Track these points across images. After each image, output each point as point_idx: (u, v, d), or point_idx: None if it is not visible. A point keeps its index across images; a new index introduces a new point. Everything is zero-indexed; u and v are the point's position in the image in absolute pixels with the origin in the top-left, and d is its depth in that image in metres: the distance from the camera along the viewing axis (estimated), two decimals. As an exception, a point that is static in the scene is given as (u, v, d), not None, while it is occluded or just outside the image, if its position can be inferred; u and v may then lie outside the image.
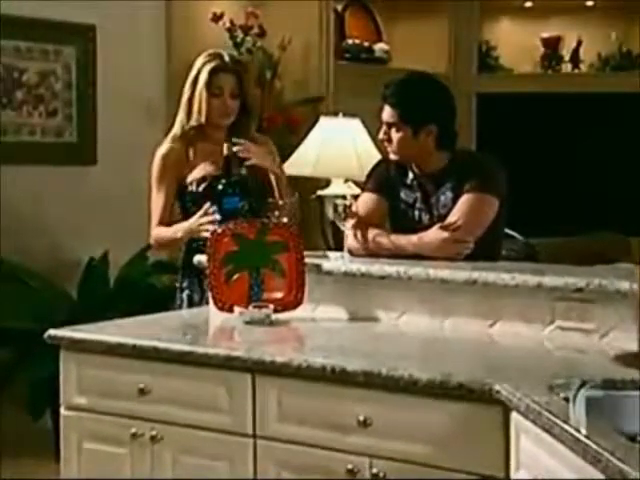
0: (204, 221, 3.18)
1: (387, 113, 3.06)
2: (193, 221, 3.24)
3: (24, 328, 4.13)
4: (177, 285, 3.52)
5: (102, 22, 4.64)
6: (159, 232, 3.38)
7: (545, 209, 5.79)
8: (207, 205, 3.21)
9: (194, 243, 3.32)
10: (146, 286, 4.44)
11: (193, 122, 3.34)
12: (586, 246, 5.62)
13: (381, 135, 3.10)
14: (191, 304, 3.44)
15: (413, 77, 3.21)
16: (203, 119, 3.33)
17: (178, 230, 3.31)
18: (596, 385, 2.03)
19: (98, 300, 4.31)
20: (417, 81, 3.16)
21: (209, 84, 3.31)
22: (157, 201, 3.38)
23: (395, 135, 3.05)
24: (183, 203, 3.40)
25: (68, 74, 4.60)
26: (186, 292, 3.47)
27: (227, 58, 3.38)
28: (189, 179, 3.36)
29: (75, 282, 4.45)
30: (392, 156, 3.10)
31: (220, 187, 3.28)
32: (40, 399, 3.98)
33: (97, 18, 4.62)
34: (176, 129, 3.40)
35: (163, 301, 4.16)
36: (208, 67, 3.32)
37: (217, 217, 3.15)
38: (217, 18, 4.90)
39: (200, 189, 3.33)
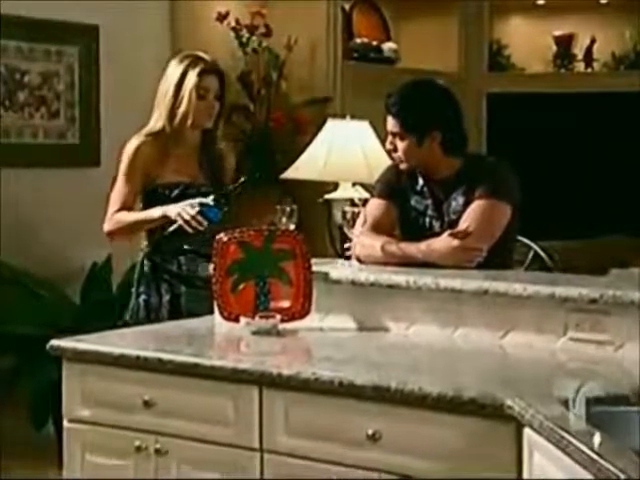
0: (191, 212, 3.20)
1: (390, 123, 3.09)
2: (176, 205, 3.26)
3: (26, 334, 4.14)
4: (132, 290, 3.52)
5: (105, 22, 4.64)
6: (123, 216, 3.39)
7: (558, 211, 5.77)
8: (196, 201, 3.25)
9: (153, 254, 3.42)
10: (149, 292, 4.43)
11: (177, 125, 3.38)
12: (601, 249, 5.62)
13: (387, 145, 3.14)
14: (148, 309, 3.44)
15: (414, 85, 3.21)
16: (190, 120, 3.37)
17: (153, 212, 3.33)
18: (601, 399, 2.04)
19: (101, 306, 4.32)
20: (417, 88, 3.18)
21: (197, 86, 3.36)
22: (122, 189, 3.40)
23: (400, 144, 3.08)
24: (150, 205, 3.41)
25: (71, 75, 4.60)
26: (142, 297, 3.46)
27: (209, 60, 3.45)
28: (161, 181, 3.40)
29: (78, 287, 4.45)
30: (401, 165, 3.12)
31: (205, 196, 3.31)
32: (42, 408, 3.99)
33: (100, 18, 4.62)
34: (152, 126, 3.44)
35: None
36: (197, 69, 3.38)
37: (204, 223, 3.22)
38: (222, 18, 4.90)
39: (173, 195, 3.38)
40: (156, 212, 3.34)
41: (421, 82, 3.27)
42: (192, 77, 3.36)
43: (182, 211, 3.23)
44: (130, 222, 3.39)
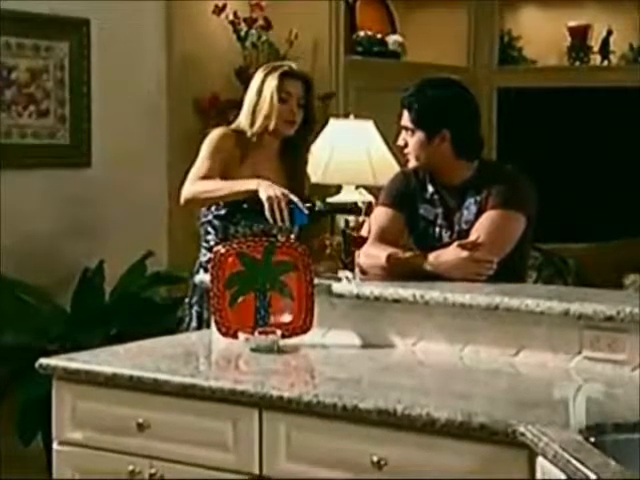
0: (282, 204, 3.08)
1: (404, 117, 3.12)
2: (271, 186, 3.17)
3: (15, 344, 4.14)
4: (187, 300, 3.55)
5: (97, 16, 4.62)
6: (207, 182, 3.34)
7: (572, 213, 5.76)
8: (293, 197, 3.13)
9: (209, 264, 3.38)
10: (144, 299, 4.44)
11: (257, 128, 3.41)
12: (616, 252, 5.61)
13: (399, 141, 3.15)
14: (200, 321, 3.46)
15: (432, 80, 3.22)
16: (272, 125, 3.40)
17: (243, 183, 3.27)
18: (618, 426, 2.05)
19: (93, 314, 4.31)
20: (434, 85, 3.18)
21: (278, 89, 3.40)
22: (204, 163, 3.40)
23: (410, 140, 3.10)
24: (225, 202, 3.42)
25: (61, 72, 4.58)
26: (195, 308, 3.50)
27: (295, 66, 3.51)
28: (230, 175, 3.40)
29: (69, 294, 4.45)
30: (410, 163, 3.13)
31: (302, 205, 3.18)
32: (31, 423, 3.98)
33: (91, 11, 4.60)
34: (237, 124, 3.48)
35: (161, 315, 4.18)
36: (278, 71, 3.43)
37: (286, 222, 3.10)
38: (219, 10, 4.90)
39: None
40: (247, 184, 3.26)
41: (441, 79, 3.30)
42: (273, 79, 3.42)
43: (274, 197, 3.11)
44: (215, 188, 3.34)
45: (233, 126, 3.51)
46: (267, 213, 3.10)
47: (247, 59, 4.99)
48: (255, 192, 3.19)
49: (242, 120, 3.48)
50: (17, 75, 4.46)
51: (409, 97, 3.11)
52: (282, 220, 3.08)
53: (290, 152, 3.51)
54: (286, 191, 3.16)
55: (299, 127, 3.47)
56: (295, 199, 3.13)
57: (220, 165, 3.40)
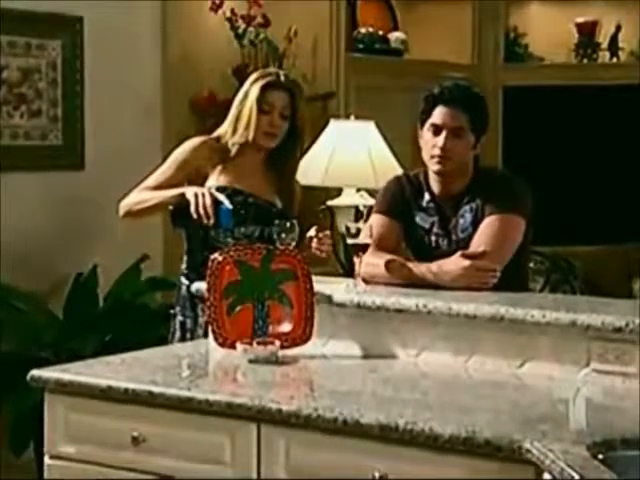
0: (207, 201, 3.19)
1: (450, 116, 3.01)
2: (197, 187, 3.28)
3: (7, 352, 4.14)
4: (172, 311, 3.55)
5: (91, 13, 4.62)
6: (141, 194, 3.41)
7: (579, 214, 5.76)
8: (220, 197, 3.26)
9: (191, 274, 3.38)
10: (139, 305, 4.44)
11: (238, 138, 3.42)
12: (625, 255, 5.61)
13: (441, 142, 2.99)
14: (184, 330, 3.47)
15: (465, 85, 3.20)
16: (251, 136, 3.40)
17: (172, 190, 3.34)
18: (627, 442, 2.04)
19: (86, 321, 4.31)
20: (470, 87, 3.17)
21: (259, 100, 3.38)
22: (164, 173, 3.44)
23: (458, 143, 3.02)
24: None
25: (53, 71, 4.58)
26: (179, 318, 3.50)
27: (282, 76, 3.48)
28: (209, 183, 3.42)
29: (62, 299, 4.45)
30: (438, 167, 3.03)
31: (228, 202, 3.30)
32: (22, 433, 3.99)
33: (85, 9, 4.60)
34: (218, 132, 3.50)
35: (157, 322, 4.18)
36: (261, 82, 3.42)
37: (212, 219, 3.22)
38: (216, 7, 4.90)
39: (235, 200, 3.37)
40: (176, 190, 3.34)
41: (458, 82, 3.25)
42: (255, 89, 3.41)
43: (200, 195, 3.22)
44: (147, 198, 3.40)
45: (216, 134, 3.51)
46: (192, 209, 3.21)
47: (245, 57, 4.99)
48: (180, 195, 3.29)
49: (225, 128, 3.48)
50: (8, 74, 4.46)
51: (462, 96, 3.01)
52: (207, 217, 3.20)
53: (276, 164, 3.49)
54: (213, 190, 3.27)
55: (285, 138, 3.45)
56: (222, 199, 3.25)
57: (184, 177, 3.41)
